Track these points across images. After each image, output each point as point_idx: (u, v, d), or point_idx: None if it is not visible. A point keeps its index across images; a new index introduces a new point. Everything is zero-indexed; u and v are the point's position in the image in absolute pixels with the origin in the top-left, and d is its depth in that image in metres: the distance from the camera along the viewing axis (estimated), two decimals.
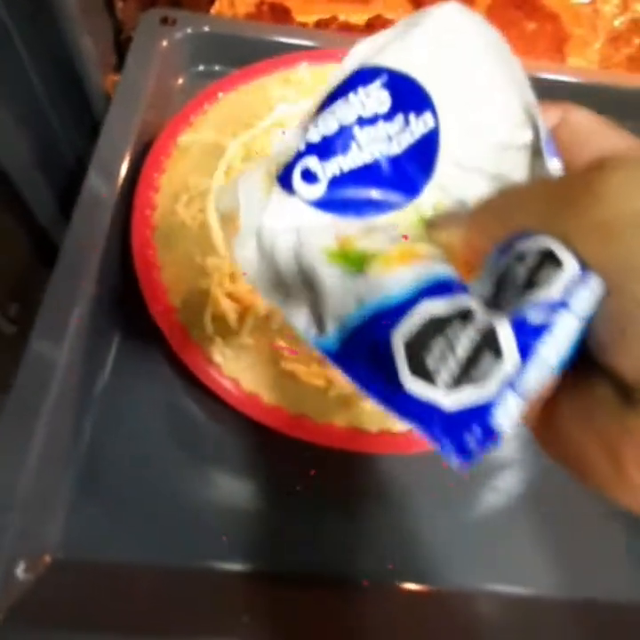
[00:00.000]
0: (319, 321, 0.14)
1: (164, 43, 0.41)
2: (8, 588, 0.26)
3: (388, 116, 0.15)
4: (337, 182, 0.15)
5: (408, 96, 0.15)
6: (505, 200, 0.14)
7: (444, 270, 0.14)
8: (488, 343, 0.12)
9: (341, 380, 0.31)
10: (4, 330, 0.53)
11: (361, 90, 0.15)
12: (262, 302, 0.31)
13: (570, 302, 0.12)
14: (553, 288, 0.12)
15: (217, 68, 0.43)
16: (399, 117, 0.16)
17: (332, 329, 0.13)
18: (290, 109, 0.38)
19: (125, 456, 0.31)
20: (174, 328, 0.31)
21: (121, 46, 0.42)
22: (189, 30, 0.41)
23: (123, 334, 0.34)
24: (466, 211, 0.15)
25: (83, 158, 0.42)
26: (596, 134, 0.16)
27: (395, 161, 0.16)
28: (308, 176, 0.15)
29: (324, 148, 0.15)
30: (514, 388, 0.12)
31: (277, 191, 0.15)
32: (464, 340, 0.12)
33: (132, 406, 0.32)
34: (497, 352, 0.12)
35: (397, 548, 0.31)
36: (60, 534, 0.28)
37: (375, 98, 0.15)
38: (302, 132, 0.16)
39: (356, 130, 0.15)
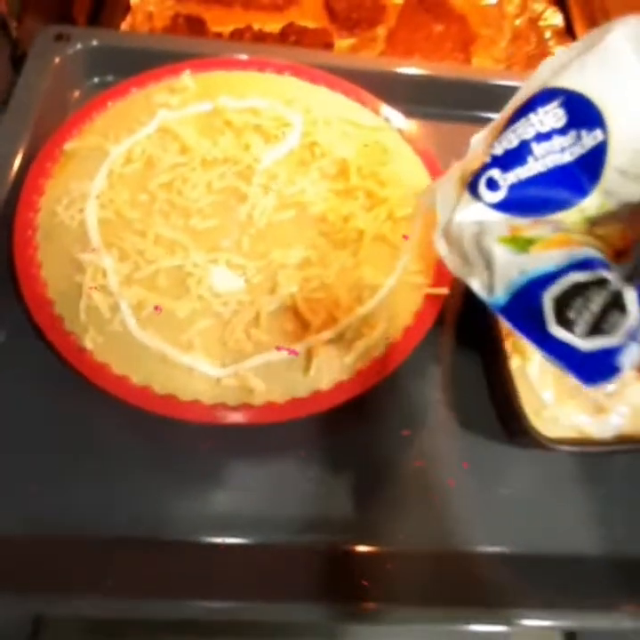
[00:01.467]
0: (491, 285, 0.18)
1: (58, 58, 0.43)
2: None
3: (563, 131, 0.18)
4: (515, 188, 0.18)
5: (582, 114, 0.18)
6: None
7: (593, 252, 0.17)
8: (616, 303, 0.16)
9: (208, 362, 0.33)
10: None
11: (540, 109, 0.18)
12: (132, 295, 0.34)
13: None
14: None
15: (110, 78, 0.46)
16: (572, 132, 0.18)
17: (500, 291, 0.18)
18: (170, 115, 0.41)
19: (6, 441, 0.33)
20: (50, 319, 0.33)
21: (18, 64, 0.44)
22: (80, 45, 0.44)
23: (8, 331, 0.36)
24: (625, 211, 0.18)
25: None
26: None
27: (566, 169, 0.18)
28: (492, 184, 0.18)
29: (506, 161, 0.18)
30: (635, 338, 0.16)
31: (466, 196, 0.19)
32: (598, 300, 0.16)
33: (18, 393, 0.34)
34: (623, 310, 0.16)
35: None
36: None
37: (552, 115, 0.18)
38: (489, 147, 0.19)
39: (534, 145, 0.18)
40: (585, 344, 0.16)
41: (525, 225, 0.19)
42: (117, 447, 0.34)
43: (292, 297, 0.35)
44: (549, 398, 0.33)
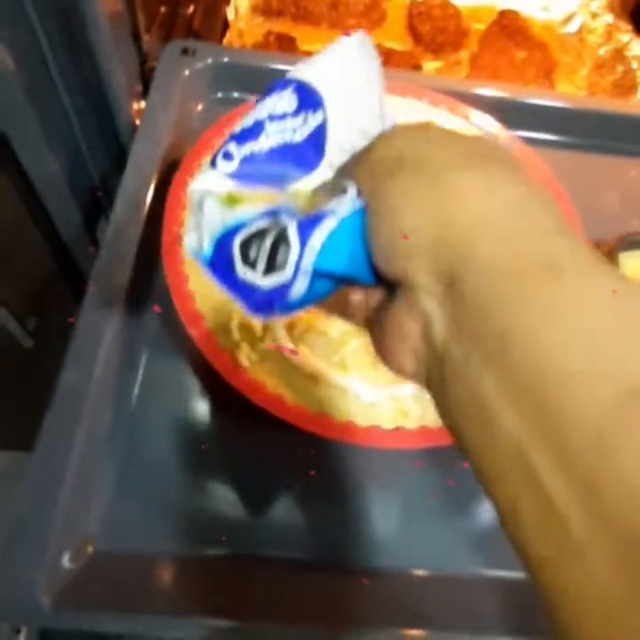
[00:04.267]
0: (200, 240, 0.19)
1: (186, 72, 0.44)
2: (56, 576, 0.27)
3: (295, 114, 0.20)
4: (247, 160, 0.20)
5: (308, 98, 0.21)
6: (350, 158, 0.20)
7: (289, 205, 0.19)
8: (283, 239, 0.17)
9: (363, 383, 0.33)
10: (22, 343, 0.56)
11: (275, 95, 0.20)
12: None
13: (337, 211, 0.17)
14: (331, 204, 0.18)
15: (235, 94, 0.46)
16: (302, 114, 0.20)
17: (206, 244, 0.19)
18: None
19: (157, 458, 0.33)
20: (203, 334, 0.33)
21: (145, 75, 0.45)
22: (210, 60, 0.44)
23: (151, 345, 0.36)
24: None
25: (107, 178, 0.45)
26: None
27: (296, 147, 0.20)
28: (227, 156, 0.20)
29: (241, 137, 0.20)
30: (300, 270, 0.17)
31: (206, 169, 0.21)
32: (269, 238, 0.18)
33: (163, 412, 0.34)
34: (288, 244, 0.17)
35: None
36: (101, 528, 0.30)
37: (286, 100, 0.20)
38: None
39: (267, 123, 0.20)
40: (263, 281, 0.17)
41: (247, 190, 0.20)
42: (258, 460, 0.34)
43: None
44: None
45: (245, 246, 0.18)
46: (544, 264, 0.13)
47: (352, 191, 0.18)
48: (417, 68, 0.65)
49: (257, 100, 0.20)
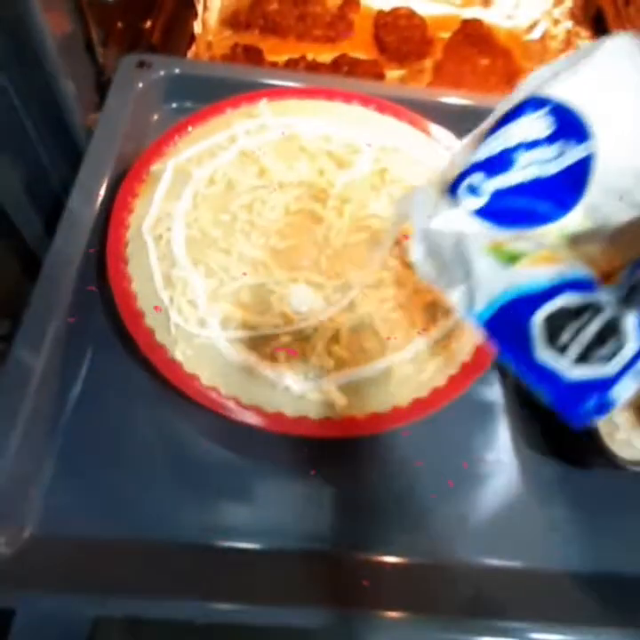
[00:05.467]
0: (471, 297, 0.17)
1: (140, 84, 0.46)
2: None
3: (549, 141, 0.18)
4: (497, 195, 0.18)
5: (570, 125, 0.17)
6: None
7: (583, 272, 0.16)
8: (613, 331, 0.15)
9: (292, 376, 0.35)
10: None
11: (526, 117, 0.18)
12: (218, 310, 0.36)
13: None
14: None
15: (188, 104, 0.48)
16: (558, 143, 0.18)
17: (481, 304, 0.17)
18: (249, 141, 0.43)
19: (99, 447, 0.34)
20: (142, 331, 0.35)
21: (102, 87, 0.47)
22: (162, 72, 0.46)
23: (97, 339, 0.38)
24: (607, 230, 0.17)
25: (67, 186, 0.47)
26: None
27: (549, 181, 0.18)
28: (473, 190, 0.18)
29: (488, 167, 0.18)
30: (631, 370, 0.14)
31: (446, 201, 0.18)
32: (593, 326, 0.15)
33: (106, 400, 0.36)
34: (620, 339, 0.15)
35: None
36: (38, 513, 0.32)
37: (539, 124, 0.17)
38: (471, 153, 0.18)
39: (517, 153, 0.18)
40: (576, 372, 0.15)
41: (506, 238, 0.18)
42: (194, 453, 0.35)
43: (370, 316, 0.36)
44: (622, 422, 0.34)
45: (552, 326, 0.15)
46: None
47: None
48: (380, 76, 0.67)
49: (502, 121, 0.18)
